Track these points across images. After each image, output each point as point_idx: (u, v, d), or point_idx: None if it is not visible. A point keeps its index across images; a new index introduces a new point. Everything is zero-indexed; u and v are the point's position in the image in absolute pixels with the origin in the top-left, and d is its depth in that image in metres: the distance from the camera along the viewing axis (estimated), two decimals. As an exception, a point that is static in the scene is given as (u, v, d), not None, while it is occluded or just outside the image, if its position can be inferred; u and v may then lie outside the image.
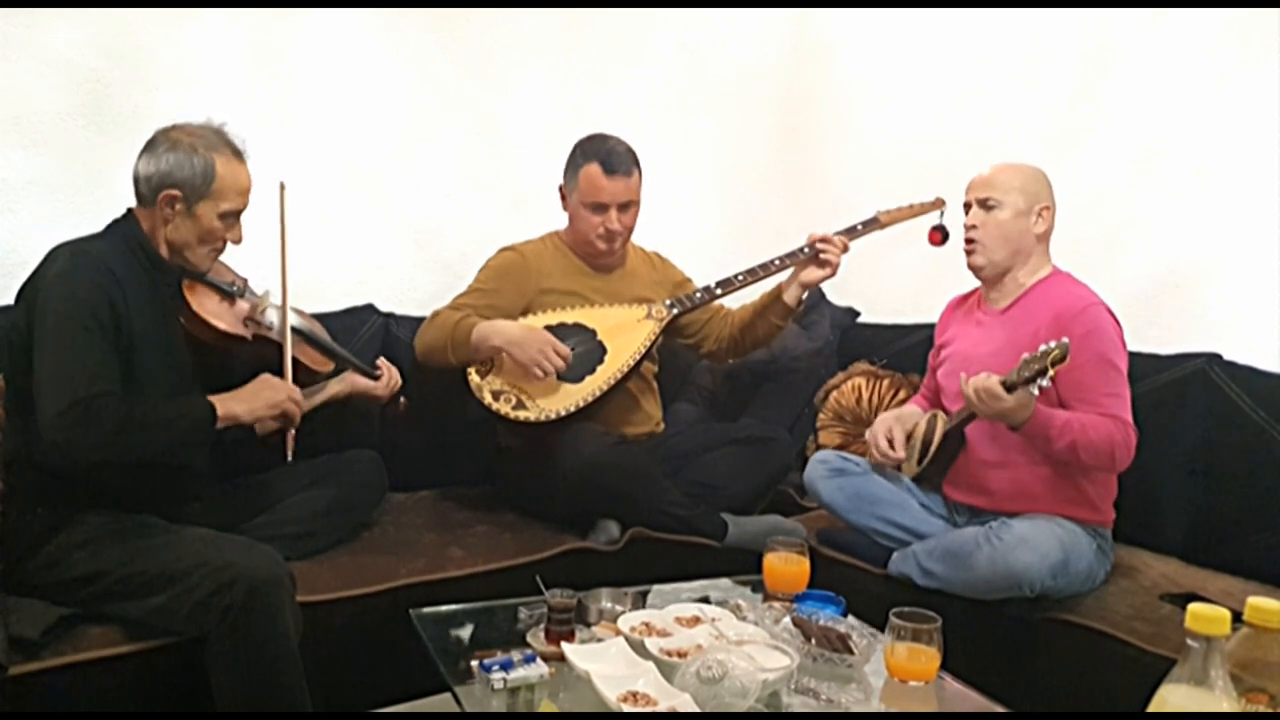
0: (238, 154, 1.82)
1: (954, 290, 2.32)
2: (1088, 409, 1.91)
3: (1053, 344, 1.75)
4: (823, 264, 2.33)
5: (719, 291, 2.40)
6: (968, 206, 2.12)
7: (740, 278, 2.38)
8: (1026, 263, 2.08)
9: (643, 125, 3.09)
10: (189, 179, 1.75)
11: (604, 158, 2.32)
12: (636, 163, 2.36)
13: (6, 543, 1.68)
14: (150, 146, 1.78)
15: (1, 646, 1.47)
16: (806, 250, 2.35)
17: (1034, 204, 2.06)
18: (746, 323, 2.49)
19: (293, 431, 1.88)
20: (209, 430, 1.73)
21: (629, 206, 2.37)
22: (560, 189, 2.43)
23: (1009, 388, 1.81)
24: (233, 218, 1.82)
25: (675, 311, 2.39)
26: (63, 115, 2.26)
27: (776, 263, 2.37)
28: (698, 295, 2.42)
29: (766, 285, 2.45)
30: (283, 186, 1.99)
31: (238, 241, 1.86)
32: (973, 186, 2.12)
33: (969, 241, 2.10)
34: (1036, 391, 1.78)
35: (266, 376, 1.85)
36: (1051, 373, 1.73)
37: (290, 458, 1.89)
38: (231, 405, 1.76)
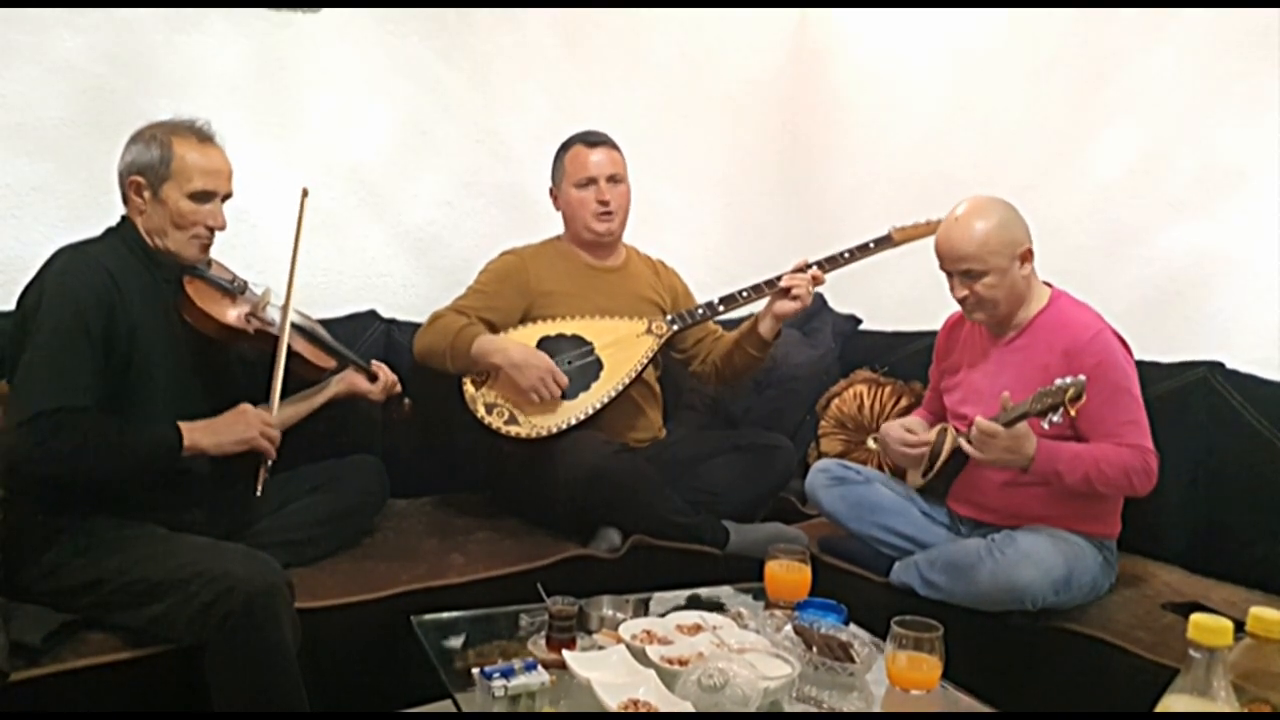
0: (204, 137, 1.83)
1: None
2: (1106, 440, 1.87)
3: (1069, 380, 1.70)
4: (794, 297, 2.29)
5: (721, 308, 2.38)
6: (948, 273, 2.01)
7: (745, 294, 2.35)
8: (1025, 302, 2.02)
9: (643, 133, 3.09)
10: (149, 163, 1.78)
11: (584, 137, 2.45)
12: (618, 148, 2.45)
13: (7, 549, 1.68)
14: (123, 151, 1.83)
15: (3, 653, 1.47)
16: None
17: (1014, 253, 1.95)
18: (726, 353, 2.44)
19: (267, 464, 1.82)
20: (174, 459, 1.72)
21: (618, 182, 2.42)
22: (550, 191, 2.49)
23: (1017, 419, 1.78)
24: (205, 199, 1.81)
25: (676, 328, 2.38)
26: (67, 122, 2.27)
27: (785, 278, 2.31)
28: (700, 311, 2.39)
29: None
30: (305, 192, 2.03)
31: (221, 227, 1.84)
32: (947, 257, 1.98)
33: (965, 306, 2.02)
34: (1047, 426, 1.74)
35: (244, 408, 1.82)
36: (1073, 412, 1.69)
37: (259, 492, 1.81)
38: (198, 437, 1.74)
